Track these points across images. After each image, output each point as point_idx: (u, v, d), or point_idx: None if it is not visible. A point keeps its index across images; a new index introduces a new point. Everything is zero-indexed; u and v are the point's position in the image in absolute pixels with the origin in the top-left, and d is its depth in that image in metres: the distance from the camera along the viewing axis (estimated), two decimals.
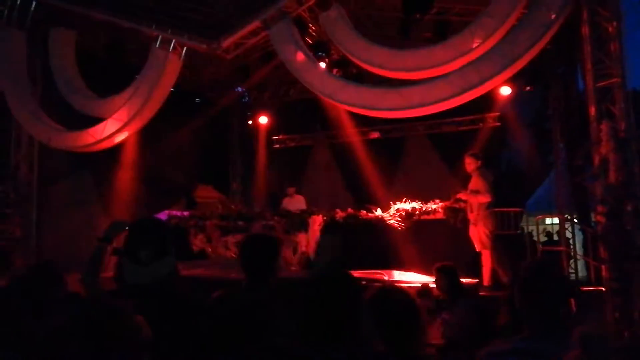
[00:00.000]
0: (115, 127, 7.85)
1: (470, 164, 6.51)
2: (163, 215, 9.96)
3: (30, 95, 8.33)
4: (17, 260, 8.15)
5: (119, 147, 8.62)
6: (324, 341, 1.60)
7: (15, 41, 8.15)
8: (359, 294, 1.71)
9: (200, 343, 1.72)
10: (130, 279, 1.90)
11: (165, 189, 10.41)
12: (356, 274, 6.40)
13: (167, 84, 7.90)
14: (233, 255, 8.11)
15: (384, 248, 7.30)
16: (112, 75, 8.84)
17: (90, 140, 7.94)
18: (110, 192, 9.40)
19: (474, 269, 6.59)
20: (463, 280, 6.51)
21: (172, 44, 7.62)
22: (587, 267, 8.48)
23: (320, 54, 8.13)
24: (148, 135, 8.96)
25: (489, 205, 6.39)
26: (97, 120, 8.01)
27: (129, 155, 9.39)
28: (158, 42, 7.61)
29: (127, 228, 2.23)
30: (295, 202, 8.58)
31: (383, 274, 6.90)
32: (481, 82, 5.77)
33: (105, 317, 1.26)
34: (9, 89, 8.10)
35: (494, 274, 6.32)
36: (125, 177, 9.58)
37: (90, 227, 8.86)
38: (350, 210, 8.19)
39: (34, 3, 8.07)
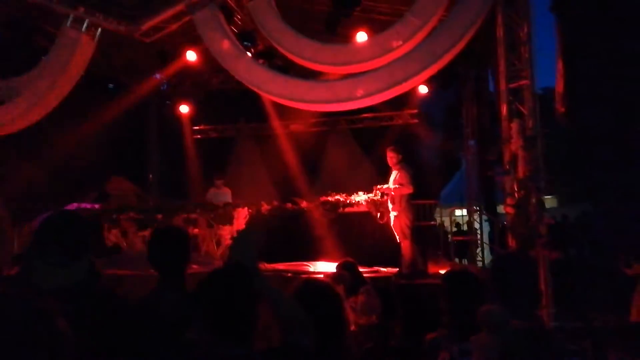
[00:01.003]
0: (16, 111, 7.13)
1: (392, 157, 6.76)
2: (70, 209, 9.27)
3: None
4: None
5: (21, 134, 7.83)
6: (225, 336, 1.60)
7: None
8: (251, 288, 1.69)
9: (121, 346, 1.62)
10: (44, 282, 1.67)
11: (73, 181, 9.65)
12: (282, 266, 6.46)
13: (78, 66, 7.32)
14: None
15: (310, 240, 7.38)
16: (15, 55, 8.03)
17: None
18: (10, 184, 8.53)
19: (394, 259, 6.87)
20: (384, 269, 6.83)
21: (86, 24, 7.06)
22: (493, 254, 9.23)
23: (246, 43, 7.97)
24: (55, 122, 8.25)
25: (409, 197, 6.70)
26: None
27: (32, 144, 8.60)
28: (69, 21, 7.00)
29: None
30: (222, 195, 8.35)
31: (309, 266, 6.99)
32: (406, 78, 6.01)
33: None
34: None
35: (412, 263, 6.64)
36: (28, 168, 8.75)
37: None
38: (275, 203, 8.17)
39: None
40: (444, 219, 12.35)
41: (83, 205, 9.39)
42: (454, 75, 9.56)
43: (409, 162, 7.36)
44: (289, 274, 6.21)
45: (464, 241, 10.19)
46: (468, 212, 10.80)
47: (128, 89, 10.81)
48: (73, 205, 9.28)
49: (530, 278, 2.02)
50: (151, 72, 10.62)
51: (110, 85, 10.24)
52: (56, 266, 1.64)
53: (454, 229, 12.56)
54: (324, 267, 6.94)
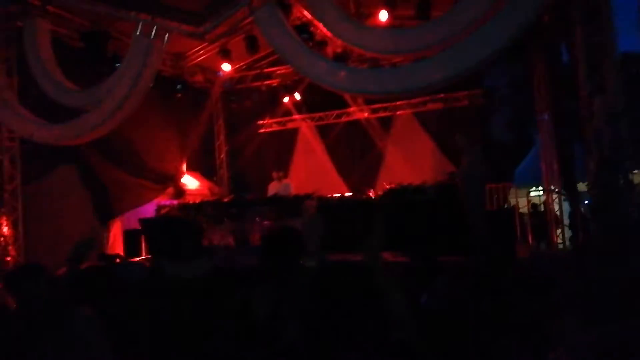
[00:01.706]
0: (99, 119, 7.64)
1: (462, 142, 6.59)
2: (152, 206, 9.87)
3: (8, 88, 8.04)
4: (7, 258, 7.98)
5: (103, 138, 8.41)
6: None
7: None
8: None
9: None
10: (179, 274, 1.91)
11: (152, 178, 10.25)
12: (350, 256, 6.48)
13: (150, 72, 7.69)
14: (231, 243, 8.10)
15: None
16: (91, 64, 8.58)
17: (74, 133, 7.73)
18: (97, 184, 9.21)
19: (467, 246, 6.67)
20: (454, 258, 6.64)
21: (154, 31, 7.40)
22: (576, 238, 8.71)
23: (304, 35, 8.02)
24: (131, 124, 8.78)
25: (482, 181, 6.50)
26: (80, 112, 7.78)
27: (114, 146, 9.20)
28: (139, 29, 7.37)
29: (93, 245, 2.23)
30: (283, 187, 8.53)
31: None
32: (472, 62, 5.76)
33: None
34: None
35: (487, 250, 6.43)
36: (111, 169, 9.40)
37: (79, 222, 8.71)
38: (343, 192, 8.23)
39: None
40: (519, 199, 11.85)
41: (162, 201, 9.97)
42: (522, 48, 9.02)
43: (478, 144, 7.15)
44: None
45: (542, 223, 9.72)
46: (545, 192, 10.25)
47: (195, 88, 11.26)
48: (154, 202, 9.89)
49: None
50: (216, 70, 10.98)
51: (179, 86, 10.71)
52: (182, 261, 1.87)
53: (531, 210, 11.99)
54: (394, 257, 6.91)
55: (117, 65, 8.05)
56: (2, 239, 7.94)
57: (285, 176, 9.27)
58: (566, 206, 10.15)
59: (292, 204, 7.84)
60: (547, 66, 9.44)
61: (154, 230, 8.49)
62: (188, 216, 8.57)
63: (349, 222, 7.47)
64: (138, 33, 7.53)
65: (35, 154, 8.31)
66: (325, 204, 7.92)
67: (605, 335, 1.63)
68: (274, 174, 9.16)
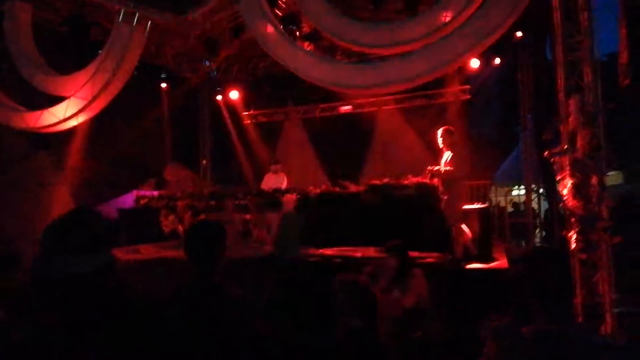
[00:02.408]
0: (78, 106, 7.52)
1: (444, 138, 6.57)
2: (131, 196, 9.75)
3: None
4: None
5: (82, 125, 8.28)
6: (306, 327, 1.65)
7: None
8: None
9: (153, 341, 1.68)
10: (58, 269, 1.78)
11: (132, 168, 10.14)
12: (330, 251, 6.47)
13: (132, 60, 7.58)
14: None
15: (359, 224, 7.34)
16: (72, 51, 8.43)
17: (52, 120, 7.60)
18: (74, 172, 9.09)
19: (445, 244, 6.72)
20: (433, 254, 6.68)
21: (136, 18, 7.28)
22: (551, 237, 8.82)
23: (290, 26, 7.94)
24: (112, 112, 8.65)
25: (462, 180, 6.51)
26: (59, 99, 7.65)
27: (93, 134, 9.07)
28: (121, 16, 7.25)
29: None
30: (277, 179, 8.45)
31: (357, 251, 6.98)
32: (455, 57, 5.77)
33: None
34: None
35: (465, 248, 6.46)
36: (89, 157, 9.28)
37: (55, 210, 8.59)
38: (324, 187, 8.19)
39: None
40: (499, 198, 11.95)
41: (142, 192, 9.86)
42: (507, 44, 9.04)
43: (462, 142, 7.17)
44: (338, 260, 6.24)
45: (522, 223, 9.81)
46: (526, 192, 10.34)
47: (179, 78, 11.13)
48: (133, 192, 9.78)
49: None
50: (201, 60, 10.86)
51: (163, 75, 10.58)
52: (70, 255, 1.75)
53: (511, 209, 12.11)
54: (373, 252, 6.92)
55: (99, 52, 7.92)
56: None
57: (282, 169, 9.11)
58: (546, 206, 10.28)
59: (272, 198, 7.80)
60: (531, 64, 9.51)
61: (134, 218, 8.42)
62: (167, 206, 8.50)
63: (330, 217, 7.46)
64: (120, 20, 7.42)
65: (12, 140, 8.17)
66: (306, 198, 7.89)
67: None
68: (272, 166, 9.04)
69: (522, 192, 11.23)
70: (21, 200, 8.20)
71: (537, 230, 9.62)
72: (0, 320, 2.04)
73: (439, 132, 6.72)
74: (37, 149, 8.49)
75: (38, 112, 7.70)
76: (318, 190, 7.97)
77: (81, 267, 1.68)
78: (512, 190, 12.77)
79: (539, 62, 9.18)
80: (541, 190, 10.05)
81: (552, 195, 9.36)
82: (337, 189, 8.10)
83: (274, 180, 8.54)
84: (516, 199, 12.25)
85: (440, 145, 6.84)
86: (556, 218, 8.47)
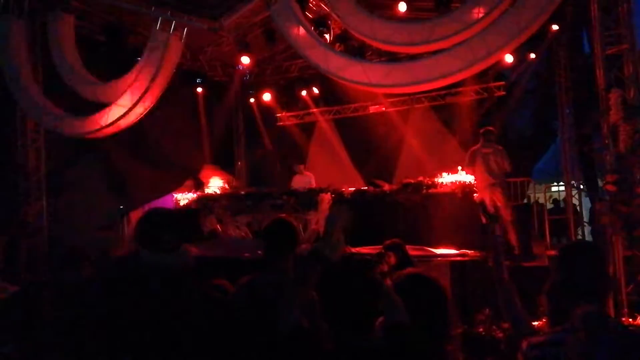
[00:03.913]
0: (119, 112, 7.82)
1: (489, 138, 6.63)
2: (171, 198, 10.06)
3: (34, 82, 8.29)
4: (30, 248, 8.27)
5: (125, 131, 8.62)
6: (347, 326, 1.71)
7: (15, 30, 8.05)
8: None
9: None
10: (149, 264, 1.95)
11: (172, 171, 10.45)
12: (365, 249, 6.52)
13: (169, 66, 7.83)
14: (244, 235, 8.22)
15: (393, 223, 7.34)
16: (112, 59, 8.77)
17: (96, 126, 7.93)
18: (119, 176, 9.46)
19: (482, 241, 6.66)
20: (467, 252, 6.62)
21: (173, 26, 7.52)
22: (593, 234, 8.56)
23: (321, 28, 8.02)
24: (151, 117, 8.95)
25: (506, 176, 6.55)
26: (102, 105, 7.99)
27: (134, 139, 9.40)
28: (158, 24, 7.51)
29: (122, 212, 2.35)
30: (305, 179, 8.59)
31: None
32: (488, 54, 5.70)
33: None
34: (12, 78, 8.05)
35: (506, 246, 6.40)
36: (132, 161, 9.62)
37: (100, 212, 8.97)
38: (357, 186, 8.23)
39: None
40: (538, 195, 11.67)
41: (181, 194, 10.14)
42: (543, 39, 8.84)
43: (500, 138, 7.19)
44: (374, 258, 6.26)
45: (562, 220, 9.55)
46: (565, 188, 10.07)
47: (214, 82, 11.40)
48: (172, 194, 10.08)
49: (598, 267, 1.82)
50: (235, 64, 11.08)
51: (198, 80, 10.86)
52: (162, 251, 1.93)
53: (551, 206, 11.79)
54: (408, 251, 6.91)
55: (138, 59, 8.22)
56: (27, 227, 8.24)
57: (307, 169, 9.29)
58: (587, 202, 9.97)
59: (307, 197, 7.90)
60: (568, 58, 9.25)
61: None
62: (205, 207, 8.73)
63: (364, 215, 7.50)
64: (157, 28, 7.67)
65: (59, 146, 8.58)
66: (340, 197, 7.95)
67: None
68: (297, 167, 9.20)
69: (562, 188, 10.94)
70: (70, 202, 8.60)
71: (579, 228, 9.34)
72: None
73: (484, 131, 6.77)
74: (84, 154, 8.88)
75: (82, 119, 8.06)
76: (352, 189, 8.02)
77: (169, 264, 1.85)
78: (551, 187, 12.43)
79: (576, 55, 8.93)
80: (582, 186, 9.76)
81: (594, 191, 9.09)
82: (371, 188, 8.13)
83: (302, 181, 8.68)
84: (556, 196, 11.93)
85: (483, 145, 6.84)
86: (598, 215, 8.22)
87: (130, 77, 7.86)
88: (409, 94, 10.31)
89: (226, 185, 10.10)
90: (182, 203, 9.42)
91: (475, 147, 7.16)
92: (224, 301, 2.17)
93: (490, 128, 7.27)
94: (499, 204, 6.81)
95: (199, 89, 11.00)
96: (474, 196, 7.03)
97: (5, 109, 8.58)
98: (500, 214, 6.84)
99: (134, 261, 1.88)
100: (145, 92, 7.71)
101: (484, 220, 6.85)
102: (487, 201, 6.86)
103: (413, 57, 6.76)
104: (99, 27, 8.68)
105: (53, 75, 8.21)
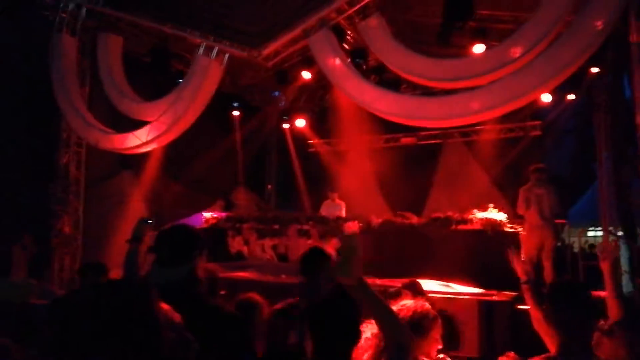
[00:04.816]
0: (158, 131, 8.12)
1: (542, 177, 6.55)
2: (200, 216, 10.24)
3: (79, 97, 8.72)
4: (65, 257, 8.54)
5: (161, 148, 8.91)
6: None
7: (67, 46, 8.54)
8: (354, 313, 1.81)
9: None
10: (152, 278, 2.01)
11: (204, 190, 10.67)
12: (389, 282, 6.43)
13: (209, 89, 8.11)
14: (269, 257, 8.27)
15: (420, 256, 7.25)
16: (156, 79, 9.15)
17: (135, 142, 8.24)
18: (152, 192, 9.73)
19: (510, 281, 6.47)
20: (494, 292, 6.41)
21: (215, 51, 7.82)
22: (634, 283, 8.18)
23: (357, 60, 8.17)
24: (188, 137, 9.23)
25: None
26: (142, 122, 8.31)
27: (170, 157, 9.69)
28: (201, 49, 7.83)
29: (150, 223, 2.42)
30: (336, 207, 8.62)
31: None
32: (524, 93, 5.68)
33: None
34: (60, 92, 8.50)
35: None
36: (166, 178, 9.90)
37: (130, 225, 9.20)
38: (385, 217, 8.19)
39: (84, 10, 8.44)
40: (573, 239, 11.26)
41: (211, 213, 10.32)
42: (583, 80, 8.72)
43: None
44: (393, 290, 6.17)
45: (598, 266, 9.15)
46: (602, 233, 9.70)
47: (251, 107, 11.70)
48: (202, 213, 10.27)
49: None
50: (271, 90, 11.37)
51: (235, 104, 11.17)
52: (162, 266, 1.97)
53: (588, 251, 11.33)
54: (433, 286, 6.78)
55: (179, 80, 8.55)
56: (63, 238, 8.53)
57: (340, 197, 9.30)
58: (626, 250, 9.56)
59: (333, 225, 7.91)
60: (608, 101, 9.06)
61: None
62: (233, 228, 8.84)
63: (391, 247, 7.45)
64: (200, 53, 7.99)
65: (99, 159, 8.94)
66: (368, 226, 7.93)
67: None
68: (330, 194, 9.25)
69: (599, 233, 10.55)
70: (103, 213, 8.89)
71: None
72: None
73: (538, 169, 6.66)
74: (120, 168, 9.21)
75: (123, 135, 8.39)
76: (380, 220, 7.98)
77: (169, 277, 1.91)
78: (587, 231, 12.01)
79: (616, 99, 8.75)
80: (620, 233, 9.39)
81: (632, 239, 8.73)
82: (399, 219, 8.07)
83: (332, 208, 8.69)
84: (592, 241, 11.51)
85: (536, 185, 6.70)
86: (637, 264, 7.88)
87: (170, 98, 8.18)
88: (442, 128, 10.28)
89: (256, 208, 10.24)
90: (210, 222, 9.58)
91: (527, 187, 6.92)
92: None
93: (542, 166, 7.05)
94: (547, 247, 6.64)
95: (236, 112, 11.29)
96: (503, 234, 6.87)
97: (52, 121, 9.02)
98: (543, 257, 6.65)
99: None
100: (184, 112, 7.99)
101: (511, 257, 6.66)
102: (534, 243, 6.67)
103: (447, 92, 6.78)
104: (145, 49, 9.09)
105: (98, 91, 8.63)
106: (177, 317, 1.31)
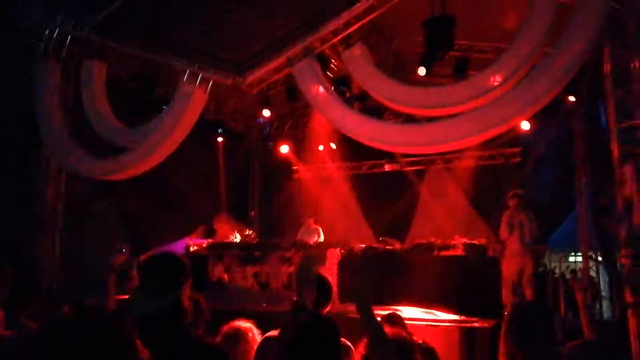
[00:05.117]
0: (140, 157, 8.05)
1: (521, 202, 6.62)
2: (182, 243, 10.08)
3: (62, 123, 8.62)
4: (42, 283, 8.29)
5: (142, 176, 8.81)
6: None
7: (51, 72, 8.50)
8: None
9: None
10: (134, 307, 1.93)
11: (186, 216, 10.54)
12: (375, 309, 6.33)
13: (192, 116, 8.11)
14: (249, 286, 8.13)
15: (402, 283, 7.20)
16: (138, 105, 9.12)
17: (115, 168, 8.15)
18: (133, 218, 9.57)
19: (493, 308, 6.46)
20: (476, 319, 6.37)
21: (199, 78, 7.86)
22: (613, 307, 8.26)
23: (341, 87, 8.29)
24: (171, 163, 9.16)
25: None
26: (122, 149, 8.23)
27: (151, 183, 9.58)
28: (185, 76, 7.86)
29: (123, 252, 2.36)
30: (311, 232, 8.58)
31: (399, 311, 6.79)
32: (503, 120, 5.79)
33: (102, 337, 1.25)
34: (41, 117, 8.41)
35: None
36: (147, 205, 9.76)
37: (113, 252, 9.02)
38: (368, 243, 8.16)
39: (69, 37, 8.44)
40: (554, 264, 11.38)
41: (192, 239, 10.17)
42: (560, 109, 8.96)
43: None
44: (378, 318, 6.10)
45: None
46: (583, 259, 9.81)
47: (234, 133, 11.71)
48: (184, 240, 10.10)
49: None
50: (255, 117, 11.42)
51: (219, 130, 11.18)
52: (146, 296, 1.90)
53: (569, 276, 11.43)
54: (414, 313, 6.73)
55: (163, 107, 8.53)
56: (40, 263, 8.30)
57: (316, 222, 9.31)
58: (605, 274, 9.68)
59: (316, 251, 7.84)
60: (585, 129, 9.31)
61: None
62: (215, 255, 8.70)
63: (373, 273, 7.39)
64: (184, 80, 8.02)
65: (79, 185, 8.79)
66: (350, 252, 7.87)
67: None
68: (306, 220, 9.23)
69: (579, 258, 10.67)
70: (85, 241, 8.70)
71: (596, 300, 9.01)
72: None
73: (513, 197, 6.75)
74: (102, 195, 9.07)
75: (103, 161, 8.29)
76: (363, 246, 7.94)
77: (152, 308, 1.84)
78: (568, 257, 12.15)
79: (592, 127, 9.00)
80: (599, 259, 9.51)
81: (611, 264, 8.85)
82: (382, 245, 8.04)
83: (308, 234, 8.65)
84: (573, 266, 11.63)
85: (516, 210, 6.78)
86: (615, 288, 7.96)
87: (153, 124, 8.15)
88: (424, 155, 10.42)
89: (237, 235, 10.11)
90: (192, 249, 9.42)
91: (509, 213, 7.07)
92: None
93: (521, 192, 7.23)
94: (527, 272, 6.68)
95: (219, 139, 11.28)
96: (486, 259, 6.88)
97: (33, 148, 8.89)
98: (524, 283, 6.68)
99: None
100: (166, 139, 7.95)
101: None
102: (514, 269, 6.71)
103: (429, 119, 6.88)
104: (129, 75, 9.09)
105: (80, 117, 8.55)
106: (145, 353, 1.27)
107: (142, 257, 2.15)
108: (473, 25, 7.34)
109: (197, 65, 7.88)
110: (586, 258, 9.55)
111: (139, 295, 1.92)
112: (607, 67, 5.51)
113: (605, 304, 9.12)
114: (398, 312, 6.60)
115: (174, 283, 1.96)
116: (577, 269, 11.03)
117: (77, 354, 1.16)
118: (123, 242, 8.77)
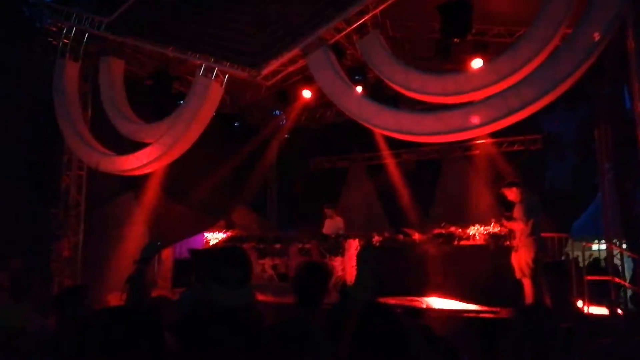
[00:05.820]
0: (159, 152, 8.13)
1: (511, 193, 6.43)
2: (202, 236, 10.19)
3: (82, 120, 8.77)
4: (64, 280, 8.48)
5: (162, 169, 8.91)
6: None
7: (69, 70, 8.64)
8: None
9: None
10: (223, 300, 1.96)
11: (205, 210, 10.62)
12: (392, 300, 6.34)
13: (209, 111, 8.15)
14: (272, 277, 8.20)
15: (422, 274, 7.17)
16: (157, 101, 9.20)
17: (136, 164, 8.25)
18: (153, 213, 9.68)
19: (515, 297, 6.36)
20: (498, 309, 6.26)
21: (215, 72, 7.88)
22: (637, 298, 8.06)
23: (357, 77, 8.21)
24: (189, 158, 9.23)
25: (533, 232, 6.22)
26: (143, 144, 8.32)
27: (171, 177, 9.67)
28: (202, 71, 7.89)
29: (160, 246, 2.39)
30: (335, 224, 8.56)
31: (421, 301, 6.77)
32: (523, 106, 5.67)
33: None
34: (62, 115, 8.56)
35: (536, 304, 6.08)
36: (167, 199, 9.86)
37: (134, 248, 9.15)
38: (387, 234, 8.13)
39: (86, 35, 8.55)
40: (577, 253, 11.13)
41: (212, 233, 10.27)
42: (582, 94, 8.73)
43: (533, 192, 6.91)
44: (399, 310, 6.09)
45: (603, 281, 9.02)
46: (606, 247, 9.58)
47: (251, 126, 11.73)
48: (204, 233, 10.22)
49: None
50: (272, 109, 11.42)
51: (236, 123, 11.21)
52: (229, 288, 1.94)
53: (590, 265, 11.18)
54: (437, 304, 6.69)
55: (180, 102, 8.60)
56: (62, 261, 8.48)
57: (338, 213, 9.25)
58: (630, 262, 9.43)
59: (334, 243, 7.85)
60: (609, 113, 9.05)
61: (206, 258, 8.77)
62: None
63: (393, 264, 7.36)
64: (200, 74, 8.05)
65: (100, 182, 8.94)
66: (369, 244, 7.84)
67: None
68: (327, 211, 9.20)
69: (603, 247, 10.44)
70: (104, 235, 8.85)
71: (621, 290, 8.80)
72: None
73: (507, 187, 6.58)
74: (121, 190, 9.19)
75: (124, 157, 8.40)
76: (381, 237, 7.92)
77: (235, 300, 1.89)
78: (591, 245, 11.89)
79: (617, 110, 8.74)
80: (624, 246, 9.28)
81: (637, 249, 8.62)
82: (401, 236, 8.00)
83: (333, 225, 8.63)
84: (596, 255, 11.38)
85: (509, 198, 6.65)
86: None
87: (171, 119, 8.22)
88: (442, 144, 10.29)
89: (257, 227, 10.18)
90: (212, 243, 9.52)
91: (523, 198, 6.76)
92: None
93: (517, 180, 6.93)
94: (530, 260, 6.45)
95: (236, 132, 11.32)
96: (507, 248, 6.77)
97: (54, 145, 9.06)
98: (530, 272, 6.47)
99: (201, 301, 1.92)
100: (184, 134, 8.01)
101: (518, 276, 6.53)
102: (524, 258, 6.52)
103: (446, 107, 6.78)
104: (146, 72, 9.18)
105: (100, 114, 8.68)
106: (170, 341, 1.29)
107: (164, 251, 2.18)
108: (490, 10, 7.19)
109: (213, 60, 7.90)
110: (610, 246, 9.33)
111: (214, 286, 1.94)
112: (630, 46, 5.34)
113: (629, 292, 8.90)
114: (419, 303, 6.65)
115: (248, 277, 2.02)
116: (601, 257, 10.79)
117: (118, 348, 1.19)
118: (155, 237, 8.91)
